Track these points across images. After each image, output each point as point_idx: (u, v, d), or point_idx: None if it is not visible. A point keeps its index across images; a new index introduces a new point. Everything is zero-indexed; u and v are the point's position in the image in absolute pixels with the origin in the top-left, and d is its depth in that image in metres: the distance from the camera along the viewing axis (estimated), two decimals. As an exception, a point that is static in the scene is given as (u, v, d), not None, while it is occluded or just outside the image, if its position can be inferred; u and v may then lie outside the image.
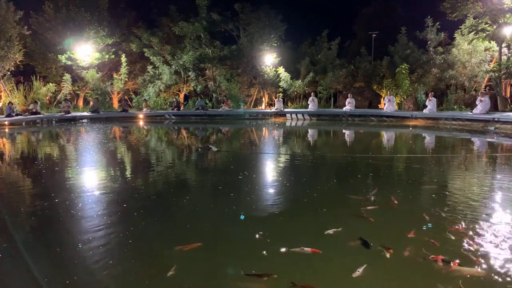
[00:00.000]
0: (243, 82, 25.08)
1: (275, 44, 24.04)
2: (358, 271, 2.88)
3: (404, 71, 20.41)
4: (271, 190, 5.62)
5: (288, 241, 3.54)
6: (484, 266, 3.02)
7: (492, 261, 3.10)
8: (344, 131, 15.34)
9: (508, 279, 2.82)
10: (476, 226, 3.87)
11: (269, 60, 23.57)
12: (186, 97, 26.80)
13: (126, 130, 16.29)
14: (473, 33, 18.51)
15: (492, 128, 13.79)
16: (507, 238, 3.56)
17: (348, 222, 4.16)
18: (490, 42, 19.20)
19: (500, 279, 2.82)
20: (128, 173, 7.11)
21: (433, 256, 3.15)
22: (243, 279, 2.90)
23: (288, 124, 18.20)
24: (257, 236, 3.69)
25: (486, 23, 17.96)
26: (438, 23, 21.00)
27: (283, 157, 8.80)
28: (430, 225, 3.89)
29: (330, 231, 3.71)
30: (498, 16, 17.21)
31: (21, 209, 4.74)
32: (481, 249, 3.33)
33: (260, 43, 23.36)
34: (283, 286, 2.77)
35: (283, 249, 3.35)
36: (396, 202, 4.74)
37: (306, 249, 3.30)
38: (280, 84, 23.71)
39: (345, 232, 3.80)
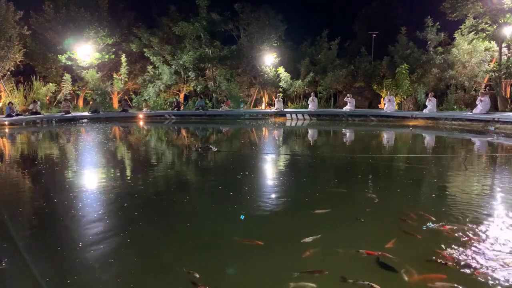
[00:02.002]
0: (243, 82, 25.07)
1: (275, 44, 24.04)
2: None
3: (404, 71, 20.41)
4: (272, 190, 5.62)
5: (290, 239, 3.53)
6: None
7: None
8: (344, 131, 15.34)
9: None
10: (477, 228, 3.87)
11: (269, 60, 23.56)
12: (186, 97, 26.80)
13: (126, 130, 16.29)
14: (473, 33, 18.49)
15: (492, 128, 13.78)
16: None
17: (354, 222, 4.16)
18: (490, 42, 19.18)
19: None
20: (128, 173, 7.11)
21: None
22: (294, 276, 2.91)
23: (288, 124, 18.20)
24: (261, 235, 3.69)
25: (486, 23, 17.94)
26: (438, 23, 21.01)
27: (283, 157, 8.80)
28: (430, 224, 3.89)
29: (308, 239, 3.56)
30: (498, 16, 17.19)
31: (21, 209, 4.75)
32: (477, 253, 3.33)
33: (260, 43, 23.36)
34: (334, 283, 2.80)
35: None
36: (395, 202, 4.75)
37: (361, 251, 3.27)
38: (280, 84, 23.70)
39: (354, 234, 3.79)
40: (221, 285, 2.86)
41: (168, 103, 24.04)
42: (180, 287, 2.90)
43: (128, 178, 6.65)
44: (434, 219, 4.05)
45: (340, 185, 6.00)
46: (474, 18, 18.39)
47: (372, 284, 2.70)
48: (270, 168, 7.49)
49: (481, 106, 16.42)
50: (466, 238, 3.55)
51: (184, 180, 6.74)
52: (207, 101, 24.18)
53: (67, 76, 22.34)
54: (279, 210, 4.59)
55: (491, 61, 19.96)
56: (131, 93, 25.87)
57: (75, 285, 2.85)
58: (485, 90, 19.14)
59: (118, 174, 6.83)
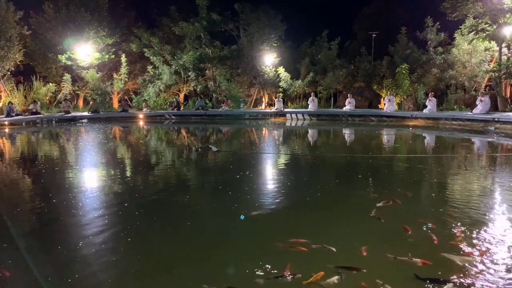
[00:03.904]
0: (243, 82, 25.07)
1: (275, 44, 24.04)
2: None
3: (404, 71, 20.40)
4: (272, 190, 5.61)
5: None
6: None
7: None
8: (344, 131, 15.34)
9: None
10: (477, 230, 3.87)
11: (269, 60, 23.56)
12: (186, 97, 26.81)
13: (126, 130, 16.29)
14: (473, 33, 18.49)
15: (492, 128, 13.78)
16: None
17: (357, 223, 4.17)
18: (490, 42, 19.18)
19: None
20: (128, 173, 7.10)
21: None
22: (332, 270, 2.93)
23: (288, 124, 18.20)
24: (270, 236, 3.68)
25: (486, 23, 17.95)
26: (438, 23, 20.98)
27: (283, 157, 8.80)
28: (430, 225, 3.89)
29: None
30: (498, 16, 17.20)
31: (21, 209, 4.74)
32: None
33: (260, 43, 23.36)
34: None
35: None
36: (398, 202, 4.74)
37: (415, 259, 3.11)
38: (280, 84, 23.71)
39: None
40: (239, 281, 2.86)
41: (168, 103, 24.05)
42: (180, 286, 2.91)
43: (128, 178, 6.65)
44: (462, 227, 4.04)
45: (341, 185, 6.01)
46: (474, 18, 18.38)
47: None
48: (270, 168, 7.48)
49: (481, 106, 16.42)
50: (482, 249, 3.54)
51: (184, 180, 6.74)
52: (207, 101, 24.19)
53: (67, 76, 22.35)
54: (280, 210, 4.58)
55: (491, 61, 19.96)
56: (131, 93, 25.89)
57: (76, 284, 2.85)
58: (485, 90, 19.14)
59: (118, 174, 6.83)
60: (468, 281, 2.77)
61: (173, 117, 20.76)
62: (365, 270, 2.93)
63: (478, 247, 3.33)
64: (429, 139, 12.38)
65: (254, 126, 17.32)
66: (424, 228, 3.81)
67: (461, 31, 19.84)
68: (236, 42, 24.70)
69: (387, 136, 13.36)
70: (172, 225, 4.17)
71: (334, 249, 3.31)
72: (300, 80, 23.45)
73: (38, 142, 12.47)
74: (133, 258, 3.30)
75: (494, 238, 3.55)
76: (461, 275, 2.84)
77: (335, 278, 2.81)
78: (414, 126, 15.85)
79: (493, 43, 19.14)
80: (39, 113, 19.01)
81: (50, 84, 22.21)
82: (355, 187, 5.70)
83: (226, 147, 10.55)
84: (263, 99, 25.08)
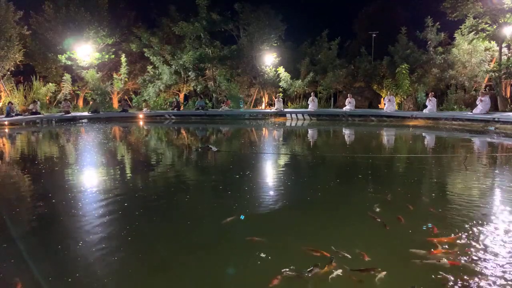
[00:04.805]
0: (243, 82, 25.07)
1: (275, 44, 24.05)
2: None
3: (404, 71, 20.41)
4: (272, 190, 5.61)
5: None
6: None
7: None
8: (344, 131, 15.33)
9: None
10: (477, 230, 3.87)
11: (269, 60, 23.57)
12: (186, 97, 26.82)
13: (126, 130, 16.28)
14: (473, 33, 18.51)
15: (492, 128, 13.78)
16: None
17: (358, 223, 4.17)
18: (490, 42, 19.19)
19: None
20: (128, 173, 7.10)
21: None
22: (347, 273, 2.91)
23: (288, 124, 18.19)
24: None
25: (486, 23, 17.96)
26: (438, 23, 21.00)
27: (283, 157, 8.79)
28: (430, 225, 3.89)
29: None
30: (498, 16, 17.21)
31: (21, 209, 4.74)
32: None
33: (260, 43, 23.37)
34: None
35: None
36: (397, 201, 4.74)
37: (443, 260, 3.06)
38: (280, 84, 23.72)
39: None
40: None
41: (168, 103, 24.05)
42: (179, 286, 2.90)
43: (128, 178, 6.65)
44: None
45: (341, 185, 6.00)
46: (474, 18, 18.40)
47: None
48: (270, 168, 7.48)
49: (481, 106, 16.42)
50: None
51: (184, 180, 6.74)
52: (207, 101, 24.19)
53: (67, 76, 22.36)
54: (280, 210, 4.58)
55: (491, 61, 19.96)
56: (131, 93, 25.90)
57: (76, 284, 2.85)
58: (485, 90, 19.15)
59: (118, 174, 6.82)
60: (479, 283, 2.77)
61: (173, 117, 20.76)
62: (379, 269, 2.90)
63: (479, 247, 3.33)
64: (429, 139, 12.38)
65: (254, 126, 17.32)
66: (424, 228, 3.81)
67: (461, 31, 19.85)
68: (236, 42, 24.71)
69: (387, 136, 13.36)
70: (172, 225, 4.17)
71: (333, 248, 3.31)
72: (300, 80, 23.45)
73: (38, 142, 12.47)
74: (133, 258, 3.30)
75: (497, 239, 3.55)
76: (464, 275, 2.85)
77: (336, 274, 2.83)
78: (414, 126, 15.84)
79: (493, 43, 19.15)
80: (39, 113, 19.01)
81: (50, 84, 22.22)
82: (356, 188, 5.70)
83: (226, 147, 10.55)
84: (263, 99, 25.09)
